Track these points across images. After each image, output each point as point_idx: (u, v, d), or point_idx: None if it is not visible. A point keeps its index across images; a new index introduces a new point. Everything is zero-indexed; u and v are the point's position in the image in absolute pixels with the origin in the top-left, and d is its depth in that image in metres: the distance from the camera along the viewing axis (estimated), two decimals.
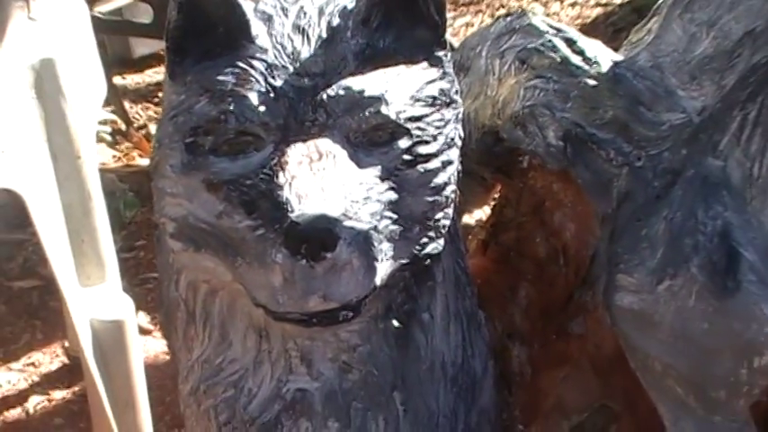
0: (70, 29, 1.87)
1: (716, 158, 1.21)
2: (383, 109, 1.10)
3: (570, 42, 1.38)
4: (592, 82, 1.33)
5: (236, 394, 1.26)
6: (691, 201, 1.20)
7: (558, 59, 1.36)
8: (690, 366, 1.18)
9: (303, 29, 1.16)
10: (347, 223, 1.03)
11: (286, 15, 1.18)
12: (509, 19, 1.44)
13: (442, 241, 1.21)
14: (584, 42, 1.38)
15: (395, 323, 1.22)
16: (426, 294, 1.25)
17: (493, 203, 1.54)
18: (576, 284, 1.37)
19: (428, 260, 1.20)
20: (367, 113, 1.10)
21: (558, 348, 1.40)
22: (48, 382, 2.49)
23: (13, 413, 2.43)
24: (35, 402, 2.45)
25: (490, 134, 1.41)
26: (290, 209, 1.01)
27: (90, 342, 1.81)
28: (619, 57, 1.39)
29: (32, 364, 2.54)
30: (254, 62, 1.12)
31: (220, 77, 1.12)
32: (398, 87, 1.13)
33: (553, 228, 1.44)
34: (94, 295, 1.84)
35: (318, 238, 1.01)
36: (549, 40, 1.38)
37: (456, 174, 1.22)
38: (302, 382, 1.23)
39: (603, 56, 1.37)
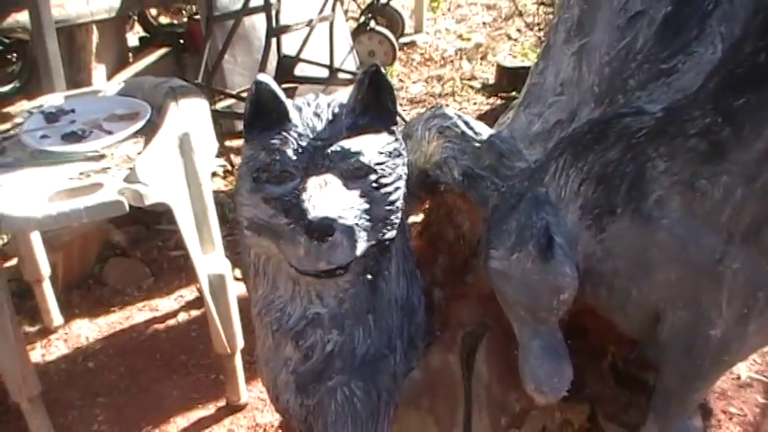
0: (197, 115, 1.89)
1: (543, 187, 1.19)
2: (361, 158, 1.13)
3: (465, 123, 1.34)
4: (477, 144, 1.31)
5: (281, 316, 1.25)
6: (529, 210, 1.18)
7: (459, 132, 1.33)
8: (528, 299, 1.17)
9: (318, 114, 1.18)
10: (340, 221, 1.06)
11: (309, 106, 1.20)
12: (434, 110, 1.41)
13: (395, 232, 1.21)
14: (474, 123, 1.35)
15: (368, 276, 1.23)
16: (386, 261, 1.25)
17: (425, 210, 1.52)
18: (470, 255, 1.36)
19: (387, 242, 1.21)
20: (352, 161, 1.13)
21: (459, 291, 1.38)
22: (189, 308, 2.49)
23: (169, 324, 2.42)
24: (181, 318, 2.44)
25: (423, 173, 1.38)
26: (308, 213, 1.05)
27: (207, 285, 1.85)
28: (492, 131, 1.36)
29: (181, 296, 2.53)
30: (291, 133, 1.14)
31: (272, 141, 1.14)
32: (370, 146, 1.15)
33: (457, 224, 1.40)
34: (210, 259, 1.87)
35: (323, 229, 1.05)
36: (455, 122, 1.35)
37: (403, 194, 1.22)
38: (317, 308, 1.23)
39: (484, 130, 1.34)
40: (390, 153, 1.19)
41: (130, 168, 1.66)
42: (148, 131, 1.83)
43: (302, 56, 3.37)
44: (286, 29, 3.08)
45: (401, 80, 4.51)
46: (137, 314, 2.45)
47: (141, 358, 2.22)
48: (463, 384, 1.27)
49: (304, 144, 1.14)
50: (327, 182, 1.11)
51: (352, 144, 1.14)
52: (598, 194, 1.12)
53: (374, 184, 1.15)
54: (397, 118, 1.24)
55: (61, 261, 2.43)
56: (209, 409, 2.04)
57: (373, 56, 4.40)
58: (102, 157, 1.75)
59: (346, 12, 5.03)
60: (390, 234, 1.21)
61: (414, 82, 4.54)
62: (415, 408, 1.28)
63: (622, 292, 1.15)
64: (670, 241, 1.05)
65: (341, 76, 3.43)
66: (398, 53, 4.62)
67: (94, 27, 3.39)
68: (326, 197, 1.08)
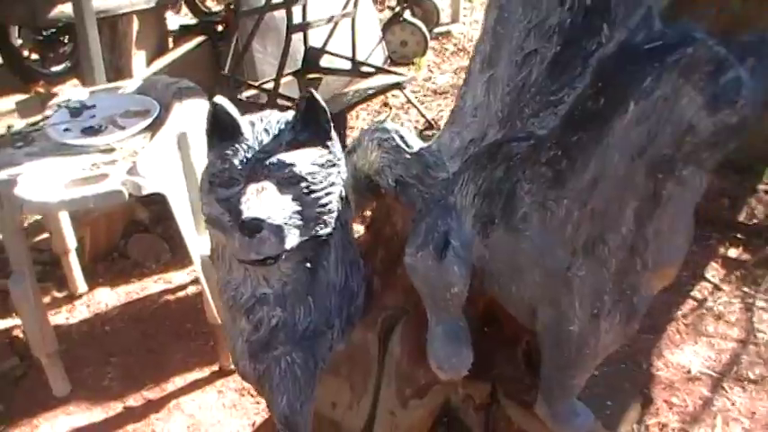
0: (197, 115, 2.12)
1: (452, 196, 1.39)
2: (294, 169, 1.36)
3: (401, 137, 1.49)
4: (408, 156, 1.47)
5: (235, 294, 1.48)
6: (436, 216, 1.38)
7: (395, 145, 1.48)
8: (428, 291, 1.38)
9: (267, 129, 1.41)
10: (268, 221, 1.28)
11: (261, 122, 1.43)
12: (376, 124, 1.54)
13: (330, 228, 1.43)
14: (408, 136, 1.49)
15: (308, 265, 1.44)
16: (325, 252, 1.47)
17: (372, 209, 1.71)
18: (401, 250, 1.45)
19: (323, 237, 1.43)
20: (286, 170, 1.35)
21: (391, 280, 1.57)
22: (198, 282, 2.63)
23: (179, 295, 2.73)
24: (191, 290, 2.73)
25: (368, 177, 1.54)
26: (242, 213, 1.28)
27: (200, 264, 2.12)
28: (423, 144, 1.50)
29: (192, 270, 2.67)
30: (242, 145, 1.37)
31: (225, 151, 1.38)
32: (305, 158, 1.38)
33: (393, 222, 1.59)
34: (203, 241, 2.01)
35: (253, 227, 1.27)
36: (392, 136, 1.49)
37: (338, 197, 1.44)
38: (264, 289, 1.45)
39: (416, 144, 1.49)
40: (323, 164, 1.43)
41: (134, 161, 1.97)
42: (155, 127, 2.14)
43: (329, 48, 3.65)
44: (307, 25, 3.35)
45: (430, 70, 4.72)
46: (152, 285, 2.77)
47: (152, 325, 2.55)
48: (378, 359, 1.51)
49: (249, 155, 1.38)
50: (264, 188, 1.35)
51: (287, 156, 1.39)
52: (485, 206, 1.35)
53: (305, 190, 1.39)
54: (334, 133, 1.48)
55: (88, 235, 2.78)
56: (203, 372, 2.35)
57: (405, 46, 4.63)
58: (113, 150, 2.05)
59: (383, 1, 5.26)
60: (325, 230, 1.45)
61: (442, 73, 4.73)
62: (334, 374, 1.53)
63: (507, 290, 1.38)
64: (532, 250, 1.29)
65: (364, 69, 3.68)
66: (432, 43, 4.83)
67: (134, 17, 3.73)
68: (260, 200, 1.32)
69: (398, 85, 3.52)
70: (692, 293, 2.56)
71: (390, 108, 4.01)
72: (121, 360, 2.44)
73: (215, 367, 2.36)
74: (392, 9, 4.83)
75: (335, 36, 3.64)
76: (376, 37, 4.15)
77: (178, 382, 2.32)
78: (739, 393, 2.21)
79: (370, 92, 3.36)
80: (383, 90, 3.40)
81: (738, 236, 2.78)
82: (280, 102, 3.18)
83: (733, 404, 2.17)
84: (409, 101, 3.86)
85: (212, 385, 2.30)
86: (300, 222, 1.39)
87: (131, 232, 2.97)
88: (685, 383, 2.23)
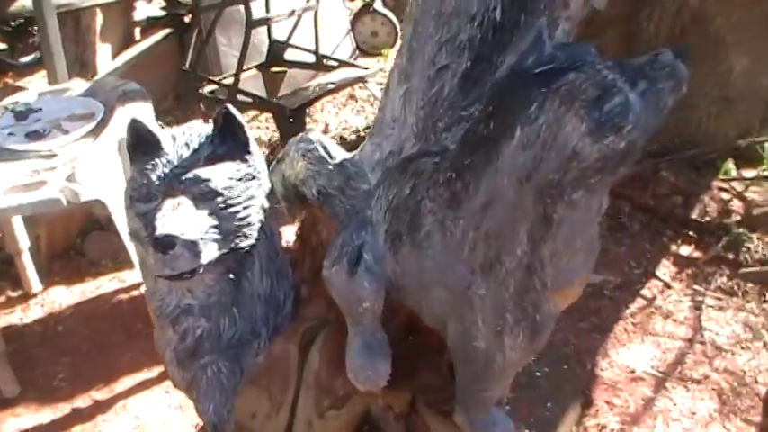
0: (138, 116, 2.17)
1: (370, 210, 1.40)
2: (209, 184, 1.37)
3: (324, 147, 1.50)
4: (330, 167, 1.48)
5: (161, 304, 1.51)
6: (353, 229, 1.39)
7: (318, 155, 1.49)
8: (343, 304, 1.40)
9: (188, 143, 1.43)
10: (182, 237, 1.30)
11: (183, 135, 1.44)
12: (302, 135, 1.55)
13: (251, 240, 1.45)
14: (331, 147, 1.50)
15: (231, 276, 1.47)
16: (248, 263, 1.49)
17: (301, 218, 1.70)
18: (321, 260, 1.47)
19: (245, 249, 1.45)
20: (202, 186, 1.37)
21: (318, 290, 1.54)
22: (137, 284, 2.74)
23: (132, 294, 2.74)
24: (143, 289, 2.70)
25: (295, 187, 1.56)
26: (156, 230, 1.30)
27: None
28: (347, 155, 1.50)
29: None
30: (161, 160, 1.39)
31: (145, 166, 1.40)
32: (221, 173, 1.40)
33: (318, 232, 1.61)
34: None
35: (165, 243, 1.29)
36: (315, 146, 1.50)
37: (259, 210, 1.47)
38: (189, 300, 1.48)
39: (340, 154, 1.49)
40: (241, 178, 1.45)
41: (73, 168, 1.99)
42: (98, 131, 2.16)
43: (295, 40, 3.66)
44: (267, 20, 3.35)
45: None
46: (107, 284, 2.80)
47: (105, 324, 2.58)
48: (297, 369, 1.53)
49: (167, 171, 1.40)
50: (180, 203, 1.37)
51: (204, 172, 1.40)
52: (394, 222, 1.36)
53: (222, 205, 1.41)
54: (253, 146, 1.50)
55: (45, 234, 2.80)
56: (152, 372, 2.37)
57: (376, 36, 4.62)
58: (54, 156, 2.07)
59: None
60: (245, 243, 1.47)
61: None
62: (254, 384, 1.55)
63: (419, 304, 1.40)
64: (435, 267, 1.31)
65: (329, 62, 3.69)
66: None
67: (98, 10, 3.72)
68: (175, 216, 1.34)
69: (362, 80, 3.53)
70: (641, 292, 2.59)
71: (356, 101, 4.02)
72: (73, 360, 2.46)
73: (162, 367, 2.37)
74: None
75: (301, 29, 3.64)
76: (344, 29, 4.16)
77: (127, 382, 2.36)
78: (682, 393, 2.24)
79: (332, 86, 3.37)
80: (346, 84, 3.40)
81: (691, 233, 2.81)
82: (240, 98, 3.19)
83: (674, 404, 2.20)
84: (374, 95, 3.86)
85: (160, 386, 2.32)
86: (218, 236, 1.41)
87: (89, 230, 2.98)
88: (628, 384, 2.26)
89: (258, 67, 3.67)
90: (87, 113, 2.25)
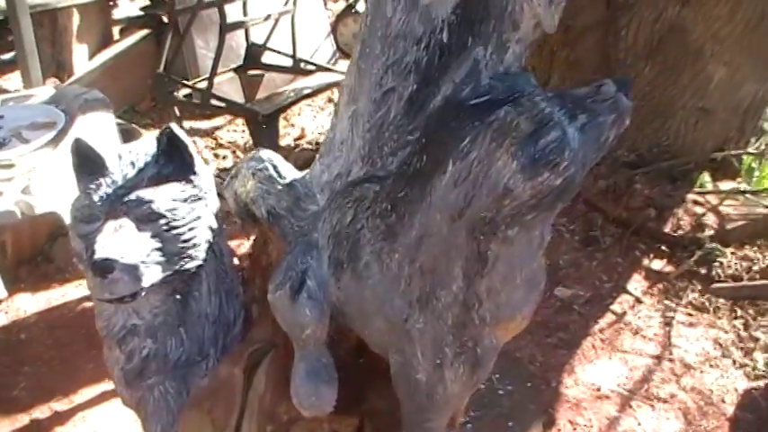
0: (99, 128, 2.14)
1: (316, 233, 1.38)
2: (152, 206, 1.35)
3: (274, 167, 1.48)
4: (280, 187, 1.46)
5: (108, 324, 1.50)
6: (298, 253, 1.37)
7: (268, 175, 1.48)
8: (287, 330, 1.38)
9: (134, 162, 1.41)
10: (121, 261, 1.29)
11: (129, 154, 1.42)
12: (253, 153, 1.53)
13: (197, 261, 1.43)
14: (282, 166, 1.49)
15: (178, 296, 1.46)
16: (196, 283, 1.48)
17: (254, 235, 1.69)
18: None
19: (193, 269, 1.44)
20: (144, 207, 1.35)
21: (267, 310, 1.45)
22: None
23: (86, 305, 2.73)
24: None
25: (246, 205, 1.53)
26: (95, 253, 1.28)
27: None
28: (297, 174, 1.49)
29: None
30: (106, 179, 1.38)
31: (89, 186, 1.38)
32: (165, 195, 1.38)
33: (268, 252, 1.60)
34: None
35: (103, 268, 1.28)
36: (266, 165, 1.49)
37: (208, 228, 1.46)
38: (135, 320, 1.47)
39: (290, 174, 1.48)
40: (186, 199, 1.43)
41: (30, 179, 1.97)
42: (58, 141, 2.14)
43: (273, 44, 3.63)
44: (241, 24, 3.33)
45: None
46: (73, 291, 2.76)
47: (67, 333, 2.55)
48: (242, 394, 1.51)
49: (110, 191, 1.38)
50: (122, 225, 1.35)
51: (146, 193, 1.38)
52: (336, 250, 1.36)
53: (165, 227, 1.39)
54: (199, 166, 1.48)
55: (11, 239, 2.77)
56: (112, 384, 2.35)
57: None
58: (12, 166, 2.06)
59: None
60: (191, 264, 1.45)
61: None
62: (197, 409, 1.52)
63: (362, 332, 1.39)
64: (374, 298, 1.29)
65: (306, 66, 3.66)
66: None
67: (75, 11, 3.69)
68: (116, 239, 1.32)
69: (337, 85, 3.50)
70: (611, 307, 2.57)
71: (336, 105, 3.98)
72: (33, 370, 2.44)
73: None
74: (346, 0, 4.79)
75: (280, 32, 3.62)
76: (324, 32, 4.13)
77: (87, 393, 2.33)
78: (647, 412, 2.23)
79: (306, 91, 3.34)
80: (322, 89, 3.37)
81: (663, 247, 2.79)
82: (213, 102, 3.16)
83: (639, 424, 2.19)
84: None
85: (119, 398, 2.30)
86: (162, 258, 1.39)
87: (57, 235, 2.95)
88: (593, 402, 2.24)
89: (235, 69, 3.65)
90: (49, 122, 2.23)
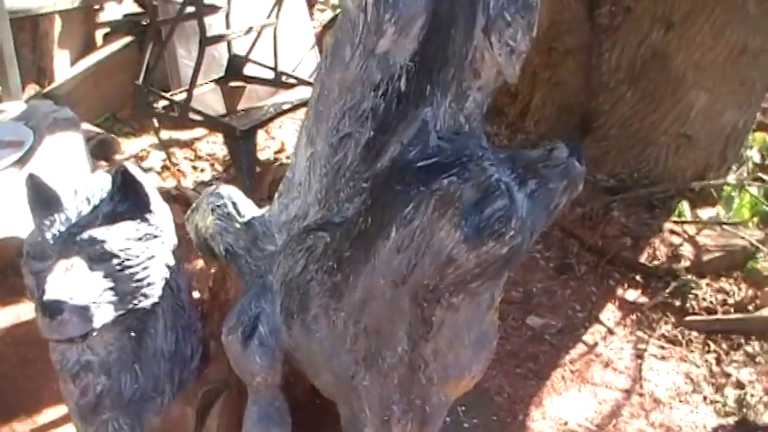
0: (66, 149, 2.13)
1: (269, 274, 1.38)
2: (105, 246, 1.34)
3: (233, 204, 1.50)
4: (238, 225, 1.47)
5: (62, 358, 1.48)
6: (252, 296, 1.38)
7: (227, 212, 1.49)
8: (239, 374, 1.40)
9: (89, 198, 1.40)
10: (70, 302, 1.28)
11: (85, 189, 1.42)
12: (213, 188, 1.57)
13: (152, 299, 1.43)
14: (241, 203, 1.51)
15: (132, 333, 1.45)
16: (151, 319, 1.47)
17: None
18: None
19: (148, 306, 1.43)
20: (97, 247, 1.34)
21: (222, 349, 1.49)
22: None
23: None
24: None
25: (206, 241, 1.55)
26: (44, 294, 1.28)
27: None
28: (257, 212, 1.50)
29: None
30: (60, 216, 1.37)
31: (43, 222, 1.37)
32: (118, 234, 1.37)
33: (227, 289, 1.59)
34: None
35: (52, 309, 1.27)
36: (225, 202, 1.51)
37: (165, 266, 1.45)
38: (89, 356, 1.45)
39: (249, 212, 1.49)
40: (140, 238, 1.42)
41: None
42: (26, 160, 2.12)
43: (255, 56, 3.62)
44: (221, 38, 3.32)
45: None
46: None
47: (33, 349, 2.50)
48: None
49: (63, 229, 1.38)
50: (74, 265, 1.34)
51: (99, 233, 1.37)
52: (287, 298, 1.34)
53: (118, 267, 1.38)
54: (156, 204, 1.47)
55: None
56: None
57: None
58: None
59: (326, 1, 5.18)
60: (146, 302, 1.45)
61: None
62: None
63: (313, 381, 1.39)
64: (321, 352, 1.28)
65: (288, 79, 3.65)
66: None
67: (57, 16, 3.67)
68: (66, 279, 1.31)
69: None
70: (583, 337, 2.57)
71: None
72: None
73: None
74: (334, 8, 4.76)
75: (263, 43, 3.61)
76: (308, 44, 4.11)
77: (51, 413, 2.30)
78: None
79: (286, 107, 3.33)
80: (301, 104, 3.35)
81: (638, 278, 2.78)
82: (191, 116, 3.15)
83: None
84: None
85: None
86: (114, 298, 1.39)
87: None
88: None
89: (217, 81, 3.62)
90: (17, 141, 2.21)
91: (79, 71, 3.75)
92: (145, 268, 1.45)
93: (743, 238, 2.84)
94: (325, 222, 1.36)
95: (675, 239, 2.83)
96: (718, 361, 2.49)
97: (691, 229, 2.90)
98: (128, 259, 1.40)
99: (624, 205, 2.93)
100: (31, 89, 3.67)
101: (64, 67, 3.81)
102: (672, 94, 3.04)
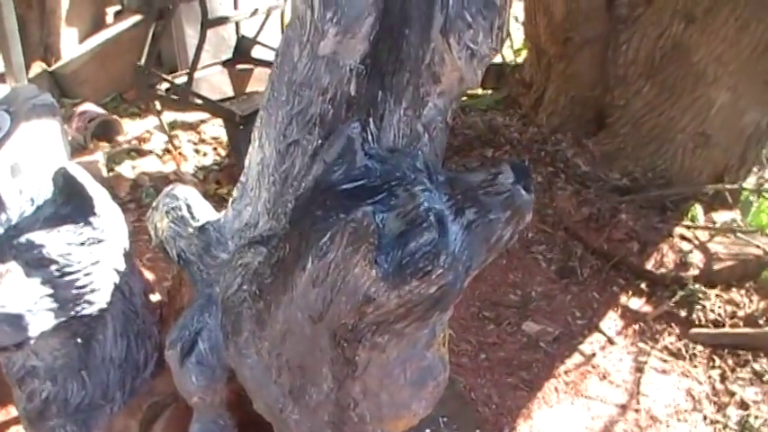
0: (42, 137, 2.05)
1: (216, 285, 1.29)
2: (43, 251, 1.28)
3: (188, 207, 1.42)
4: (191, 230, 1.40)
5: (8, 362, 1.44)
6: (195, 309, 1.33)
7: (180, 215, 1.43)
8: (179, 389, 1.33)
9: (33, 199, 1.35)
10: (2, 310, 1.23)
11: (29, 190, 1.37)
12: (170, 188, 1.50)
13: (101, 304, 1.37)
14: (196, 207, 1.43)
15: (79, 340, 1.39)
16: (100, 325, 1.42)
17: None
18: None
19: (94, 313, 1.37)
20: (35, 252, 1.28)
21: None
22: None
23: None
24: None
25: (162, 243, 1.48)
26: None
27: None
28: (213, 217, 1.42)
29: None
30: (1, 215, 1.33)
31: None
32: (59, 239, 1.30)
33: (182, 295, 1.54)
34: None
35: None
36: (180, 205, 1.43)
37: (113, 271, 1.39)
38: (34, 362, 1.41)
39: (204, 216, 1.42)
40: (83, 242, 1.35)
41: None
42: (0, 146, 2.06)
43: (265, 39, 3.53)
44: (224, 20, 3.23)
45: None
46: None
47: None
48: None
49: (1, 232, 1.33)
50: (9, 270, 1.28)
51: (38, 237, 1.31)
52: (225, 316, 1.27)
53: (57, 273, 1.32)
54: (102, 207, 1.41)
55: None
56: None
57: None
58: None
59: None
60: (90, 309, 1.39)
61: None
62: None
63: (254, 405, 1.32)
64: (252, 379, 1.19)
65: None
66: None
67: None
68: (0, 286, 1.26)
69: None
70: (581, 346, 2.45)
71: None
72: None
73: None
74: None
75: (272, 25, 3.51)
76: None
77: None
78: None
79: None
80: None
81: (643, 285, 2.65)
82: (192, 99, 3.08)
83: None
84: None
85: None
86: (54, 305, 1.33)
87: None
88: None
89: (224, 63, 3.54)
90: None
91: (86, 50, 3.69)
92: (87, 274, 1.39)
93: (758, 246, 2.68)
94: (270, 236, 1.28)
95: (685, 246, 2.68)
96: (723, 378, 2.36)
97: (703, 235, 2.74)
98: (68, 265, 1.34)
99: (634, 207, 2.79)
100: (38, 67, 3.63)
101: (72, 46, 3.76)
102: (691, 91, 2.88)
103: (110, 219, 1.45)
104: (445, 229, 0.94)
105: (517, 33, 3.96)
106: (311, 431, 1.17)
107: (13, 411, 1.97)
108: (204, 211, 1.51)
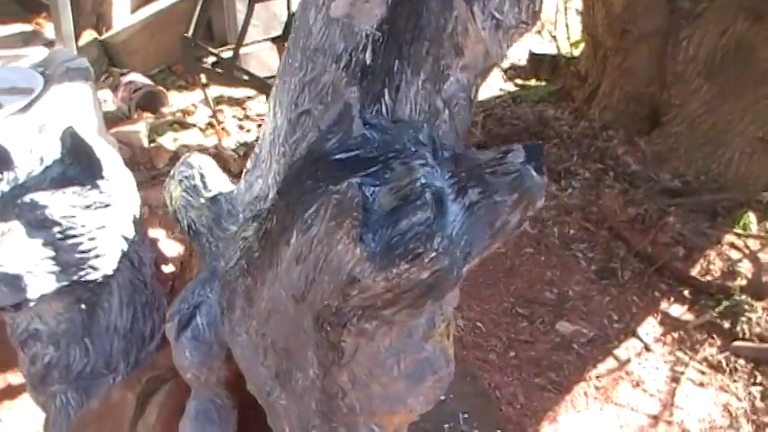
0: (73, 101, 2.04)
1: (222, 258, 1.22)
2: (46, 212, 1.25)
3: (201, 176, 1.38)
4: (203, 200, 1.35)
5: (12, 323, 1.42)
6: (197, 283, 1.27)
7: (193, 185, 1.38)
8: (177, 366, 1.26)
9: (42, 158, 1.30)
10: (1, 269, 1.21)
11: (39, 149, 1.32)
12: (186, 156, 1.45)
13: (106, 271, 1.34)
14: (210, 177, 1.38)
15: (83, 306, 1.37)
16: (105, 293, 1.39)
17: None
18: None
19: (99, 279, 1.34)
20: (38, 212, 1.25)
21: None
22: None
23: None
24: None
25: (175, 216, 1.43)
26: None
27: None
28: (227, 188, 1.37)
29: None
30: (8, 174, 1.29)
31: None
32: (64, 200, 1.27)
33: (192, 267, 1.48)
34: None
35: None
36: (193, 173, 1.39)
37: (120, 237, 1.36)
38: (38, 325, 1.39)
39: (218, 186, 1.37)
40: (89, 206, 1.32)
41: None
42: (30, 107, 2.04)
43: None
44: None
45: None
46: None
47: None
48: (131, 421, 1.41)
49: (6, 190, 1.29)
50: (10, 229, 1.26)
51: (42, 197, 1.28)
52: (222, 291, 1.20)
53: (59, 235, 1.29)
54: (110, 171, 1.36)
55: None
56: None
57: None
58: None
59: None
60: (94, 275, 1.35)
61: None
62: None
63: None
64: (242, 358, 1.13)
65: None
66: None
67: None
68: (1, 245, 1.24)
69: None
70: (615, 351, 2.34)
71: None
72: None
73: None
74: None
75: None
76: None
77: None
78: None
79: None
80: None
81: (686, 292, 2.51)
82: (237, 75, 3.05)
83: None
84: None
85: None
86: (56, 268, 1.30)
87: None
88: None
89: (274, 39, 3.50)
90: (28, 88, 2.14)
91: (137, 20, 3.70)
92: (92, 239, 1.34)
93: None
94: (258, 214, 1.21)
95: (734, 254, 2.54)
96: (764, 395, 2.23)
97: (754, 245, 2.58)
98: (71, 228, 1.30)
99: (683, 210, 2.66)
100: (89, 35, 3.65)
101: (123, 16, 3.77)
102: (753, 92, 2.73)
103: (119, 183, 1.40)
104: (443, 209, 0.85)
105: (576, 26, 3.86)
106: (299, 418, 1.10)
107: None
108: (218, 182, 1.46)
